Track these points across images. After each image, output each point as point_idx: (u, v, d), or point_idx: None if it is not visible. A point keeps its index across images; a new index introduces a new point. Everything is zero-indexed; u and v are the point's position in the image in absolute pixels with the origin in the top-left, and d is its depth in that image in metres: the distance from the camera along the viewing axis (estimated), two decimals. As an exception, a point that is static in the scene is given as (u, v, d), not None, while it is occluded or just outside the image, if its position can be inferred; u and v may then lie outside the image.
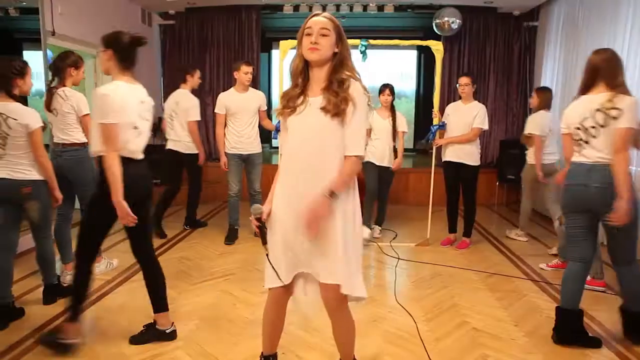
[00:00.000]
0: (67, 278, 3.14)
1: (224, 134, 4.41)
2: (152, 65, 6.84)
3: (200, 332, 2.71)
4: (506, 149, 6.23)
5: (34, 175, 2.74)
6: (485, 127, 4.26)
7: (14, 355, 2.41)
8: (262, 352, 2.09)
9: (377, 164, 4.47)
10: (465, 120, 4.22)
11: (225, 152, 4.40)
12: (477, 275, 3.75)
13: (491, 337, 2.70)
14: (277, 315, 2.03)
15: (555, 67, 5.72)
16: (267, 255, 1.89)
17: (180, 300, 3.16)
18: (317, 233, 1.74)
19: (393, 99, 4.57)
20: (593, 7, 4.93)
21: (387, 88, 4.53)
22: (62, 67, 3.21)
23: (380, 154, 4.49)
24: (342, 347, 2.06)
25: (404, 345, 2.60)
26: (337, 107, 1.74)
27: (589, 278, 3.21)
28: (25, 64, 2.82)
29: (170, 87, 7.06)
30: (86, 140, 3.25)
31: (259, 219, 1.88)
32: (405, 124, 4.70)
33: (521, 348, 2.58)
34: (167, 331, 2.60)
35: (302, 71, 1.81)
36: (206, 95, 6.97)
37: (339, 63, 1.78)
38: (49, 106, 3.22)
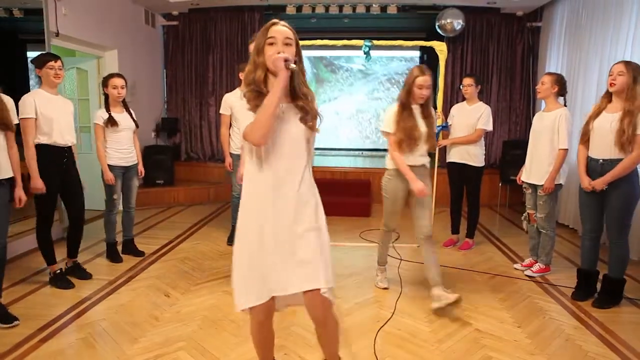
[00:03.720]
0: None
1: (229, 134, 4.42)
2: (156, 66, 6.85)
3: (202, 332, 2.71)
4: (509, 150, 6.21)
5: None
6: (490, 128, 4.23)
7: (17, 355, 2.42)
8: None
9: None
10: (469, 121, 4.21)
11: (230, 153, 4.41)
12: (480, 276, 3.74)
13: (494, 338, 2.70)
14: (264, 335, 1.99)
15: (559, 68, 5.70)
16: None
17: (183, 300, 3.16)
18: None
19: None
20: (596, 7, 4.91)
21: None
22: None
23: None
24: (330, 347, 2.02)
25: (406, 346, 2.60)
26: (313, 118, 1.82)
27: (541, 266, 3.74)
28: None
29: (173, 87, 7.12)
30: None
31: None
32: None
33: (524, 349, 2.57)
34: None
35: (265, 80, 1.79)
36: (209, 96, 7.00)
37: (297, 74, 1.78)
38: None
